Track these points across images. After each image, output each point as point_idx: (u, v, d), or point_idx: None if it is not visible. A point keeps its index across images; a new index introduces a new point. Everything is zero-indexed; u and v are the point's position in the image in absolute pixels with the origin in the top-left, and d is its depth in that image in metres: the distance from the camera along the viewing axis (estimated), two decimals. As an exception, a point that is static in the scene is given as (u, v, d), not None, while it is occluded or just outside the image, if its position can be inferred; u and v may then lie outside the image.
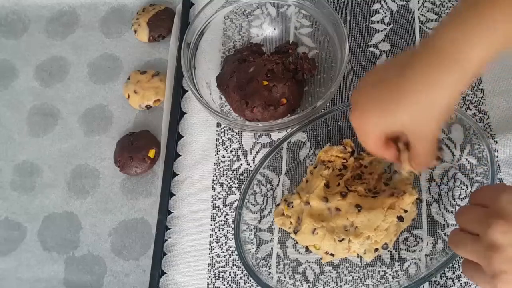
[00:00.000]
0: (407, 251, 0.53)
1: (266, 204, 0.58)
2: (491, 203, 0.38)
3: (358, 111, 0.45)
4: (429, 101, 0.40)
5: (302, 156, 0.59)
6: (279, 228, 0.56)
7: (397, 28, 0.66)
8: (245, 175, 0.60)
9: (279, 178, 0.59)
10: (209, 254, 0.57)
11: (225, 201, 0.59)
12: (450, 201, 0.54)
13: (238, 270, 0.56)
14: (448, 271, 0.52)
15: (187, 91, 0.66)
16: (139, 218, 0.64)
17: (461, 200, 0.54)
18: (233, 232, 0.56)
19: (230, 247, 0.57)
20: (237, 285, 0.55)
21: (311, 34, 0.66)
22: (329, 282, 0.53)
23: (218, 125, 0.64)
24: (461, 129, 0.55)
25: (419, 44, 0.45)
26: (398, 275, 0.52)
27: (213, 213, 0.59)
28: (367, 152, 0.56)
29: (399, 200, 0.51)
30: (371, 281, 0.52)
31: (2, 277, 0.63)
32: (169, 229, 0.59)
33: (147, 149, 0.65)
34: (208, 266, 0.57)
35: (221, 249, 0.57)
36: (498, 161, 0.56)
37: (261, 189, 0.58)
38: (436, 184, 0.56)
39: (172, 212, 0.60)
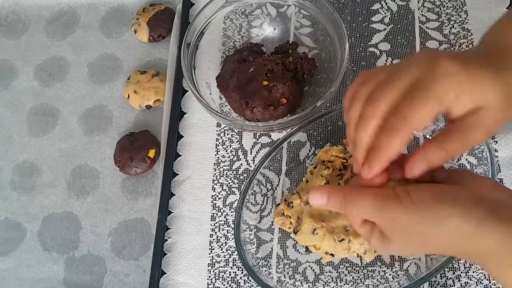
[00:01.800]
0: (407, 251, 0.53)
1: (266, 204, 0.58)
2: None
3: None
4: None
5: (302, 156, 0.60)
6: (279, 228, 0.56)
7: (397, 28, 0.66)
8: (245, 175, 0.60)
9: (279, 178, 0.59)
10: (209, 254, 0.57)
11: (225, 201, 0.59)
12: (450, 201, 0.54)
13: (238, 270, 0.56)
14: (448, 271, 0.52)
15: (187, 91, 0.66)
16: (139, 218, 0.64)
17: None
18: (233, 232, 0.56)
19: (230, 247, 0.57)
20: (237, 285, 0.55)
21: (311, 34, 0.66)
22: (329, 282, 0.53)
23: (218, 125, 0.64)
24: (461, 129, 0.55)
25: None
26: (398, 275, 0.52)
27: (213, 213, 0.59)
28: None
29: None
30: (371, 281, 0.52)
31: (2, 277, 0.63)
32: (169, 229, 0.59)
33: (147, 149, 0.65)
34: (208, 266, 0.57)
35: (221, 249, 0.57)
36: (498, 161, 0.56)
37: (261, 189, 0.58)
38: (436, 184, 0.56)
39: (172, 212, 0.60)
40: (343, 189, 0.40)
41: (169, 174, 0.61)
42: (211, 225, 0.58)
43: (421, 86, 0.35)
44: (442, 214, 0.35)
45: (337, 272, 0.54)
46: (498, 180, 0.55)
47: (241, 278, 0.56)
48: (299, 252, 0.55)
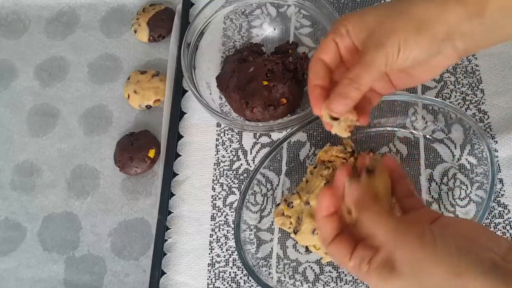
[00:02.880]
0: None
1: (266, 204, 0.58)
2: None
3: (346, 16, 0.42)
4: (427, 23, 0.38)
5: (302, 156, 0.60)
6: (279, 228, 0.56)
7: (397, 28, 0.65)
8: (245, 175, 0.60)
9: (279, 178, 0.59)
10: (209, 254, 0.57)
11: (225, 201, 0.59)
12: (450, 201, 0.54)
13: (238, 270, 0.56)
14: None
15: (187, 91, 0.66)
16: (139, 218, 0.64)
17: (461, 200, 0.54)
18: (233, 232, 0.56)
19: (230, 247, 0.57)
20: (237, 285, 0.55)
21: (311, 34, 0.66)
22: (329, 282, 0.53)
23: (218, 125, 0.64)
24: (461, 129, 0.55)
25: None
26: (398, 275, 0.52)
27: (213, 213, 0.59)
28: (367, 152, 0.56)
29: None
30: (371, 281, 0.52)
31: (2, 277, 0.63)
32: (169, 229, 0.59)
33: (147, 149, 0.65)
34: (208, 266, 0.57)
35: (221, 249, 0.57)
36: (498, 161, 0.56)
37: (261, 189, 0.58)
38: (436, 184, 0.56)
39: (172, 212, 0.60)
40: (366, 191, 0.37)
41: (169, 174, 0.61)
42: (211, 225, 0.58)
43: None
44: (466, 272, 0.32)
45: (337, 272, 0.54)
46: (498, 180, 0.55)
47: (241, 278, 0.56)
48: (299, 252, 0.55)
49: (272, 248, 0.56)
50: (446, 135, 0.57)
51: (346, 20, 0.41)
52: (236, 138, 0.63)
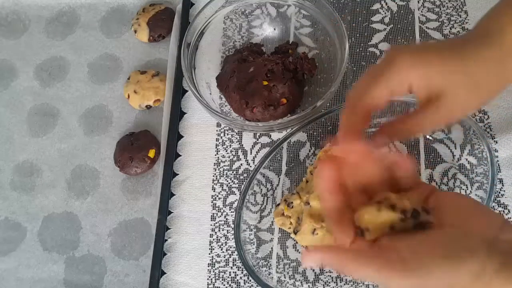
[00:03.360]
0: (407, 251, 0.53)
1: (266, 204, 0.58)
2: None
3: (404, 48, 0.40)
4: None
5: (302, 156, 0.60)
6: (279, 228, 0.56)
7: (397, 28, 0.66)
8: (245, 175, 0.60)
9: (279, 178, 0.59)
10: (209, 254, 0.57)
11: (225, 201, 0.59)
12: (450, 201, 0.54)
13: (238, 270, 0.56)
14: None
15: (187, 91, 0.66)
16: (139, 218, 0.64)
17: (461, 200, 0.54)
18: (233, 232, 0.56)
19: (230, 247, 0.57)
20: (237, 285, 0.55)
21: (311, 34, 0.66)
22: (329, 282, 0.53)
23: (218, 125, 0.64)
24: (461, 129, 0.55)
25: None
26: (398, 275, 0.52)
27: (213, 213, 0.59)
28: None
29: None
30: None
31: (2, 277, 0.63)
32: (169, 229, 0.59)
33: (147, 149, 0.65)
34: (208, 266, 0.57)
35: (221, 249, 0.57)
36: (498, 161, 0.56)
37: (261, 189, 0.58)
38: (436, 184, 0.56)
39: (172, 212, 0.60)
40: (337, 254, 0.37)
41: (169, 174, 0.61)
42: (211, 225, 0.58)
43: (377, 76, 0.40)
44: (457, 271, 0.32)
45: (337, 272, 0.54)
46: (498, 180, 0.55)
47: (241, 278, 0.56)
48: (299, 252, 0.55)
49: (272, 248, 0.56)
50: (446, 135, 0.57)
51: (408, 76, 0.39)
52: (236, 138, 0.63)
